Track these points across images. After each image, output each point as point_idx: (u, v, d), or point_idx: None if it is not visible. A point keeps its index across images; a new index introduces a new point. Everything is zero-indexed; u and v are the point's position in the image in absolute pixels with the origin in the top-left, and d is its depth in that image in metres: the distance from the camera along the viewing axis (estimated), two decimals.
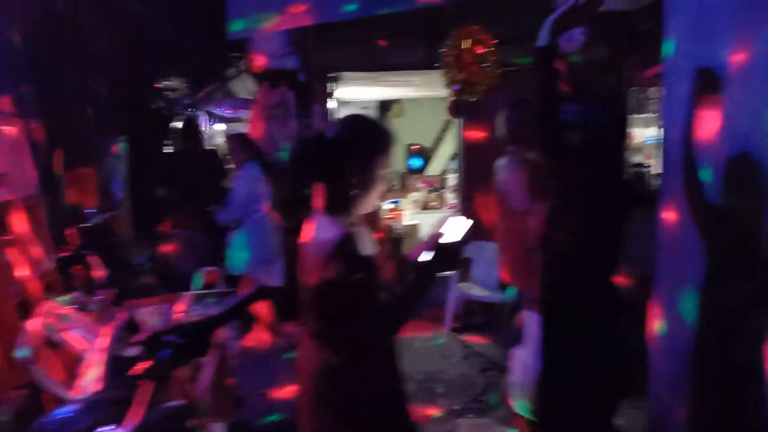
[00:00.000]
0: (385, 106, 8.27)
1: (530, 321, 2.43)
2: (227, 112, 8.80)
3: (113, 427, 1.34)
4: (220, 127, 9.80)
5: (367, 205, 1.62)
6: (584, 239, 1.86)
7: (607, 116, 1.87)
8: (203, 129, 9.89)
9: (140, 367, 1.42)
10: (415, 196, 7.86)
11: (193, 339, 1.46)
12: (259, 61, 4.45)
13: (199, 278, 3.29)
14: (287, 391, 3.50)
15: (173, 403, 2.26)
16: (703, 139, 2.12)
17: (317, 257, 1.48)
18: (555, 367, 1.96)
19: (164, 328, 1.48)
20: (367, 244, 1.58)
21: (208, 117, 9.84)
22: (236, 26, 3.34)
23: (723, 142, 1.98)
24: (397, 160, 8.77)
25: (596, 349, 1.88)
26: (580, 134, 1.85)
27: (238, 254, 3.98)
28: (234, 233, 4.11)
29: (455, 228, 1.62)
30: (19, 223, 3.15)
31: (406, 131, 8.46)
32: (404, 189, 8.05)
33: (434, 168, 8.67)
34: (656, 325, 2.48)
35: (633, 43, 4.16)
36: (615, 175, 1.90)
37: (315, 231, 1.53)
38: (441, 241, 1.58)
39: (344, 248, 1.47)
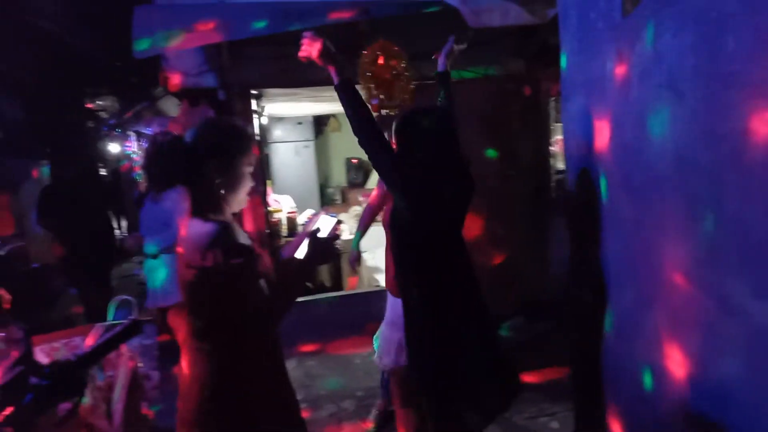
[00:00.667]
0: (320, 120, 8.24)
1: (391, 303, 2.89)
2: (156, 132, 8.59)
3: None
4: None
5: (236, 204, 1.67)
6: (407, 233, 2.04)
7: (428, 123, 2.02)
8: (133, 149, 9.64)
9: (3, 414, 1.32)
10: (356, 210, 7.84)
11: (60, 379, 1.37)
12: (175, 80, 4.34)
13: (113, 308, 3.14)
14: None
15: None
16: (597, 148, 2.19)
17: (193, 251, 1.48)
18: (411, 349, 2.13)
19: (23, 370, 1.38)
20: (242, 237, 1.60)
21: (136, 137, 9.57)
22: (142, 45, 3.24)
23: (613, 150, 2.05)
24: (338, 173, 8.74)
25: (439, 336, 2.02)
26: (403, 139, 2.05)
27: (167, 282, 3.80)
28: (156, 260, 3.93)
29: (325, 225, 1.76)
30: None
31: (344, 145, 8.43)
32: (345, 203, 8.01)
33: (374, 181, 8.68)
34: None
35: (545, 56, 4.29)
36: (444, 174, 2.02)
37: (188, 229, 1.55)
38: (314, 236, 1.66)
39: (221, 236, 1.49)
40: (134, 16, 3.46)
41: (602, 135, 2.16)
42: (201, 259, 1.46)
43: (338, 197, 8.43)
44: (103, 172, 9.23)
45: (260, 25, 3.32)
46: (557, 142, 5.40)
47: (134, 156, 9.07)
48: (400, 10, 3.73)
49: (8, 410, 1.33)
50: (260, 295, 1.59)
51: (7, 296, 3.09)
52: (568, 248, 2.60)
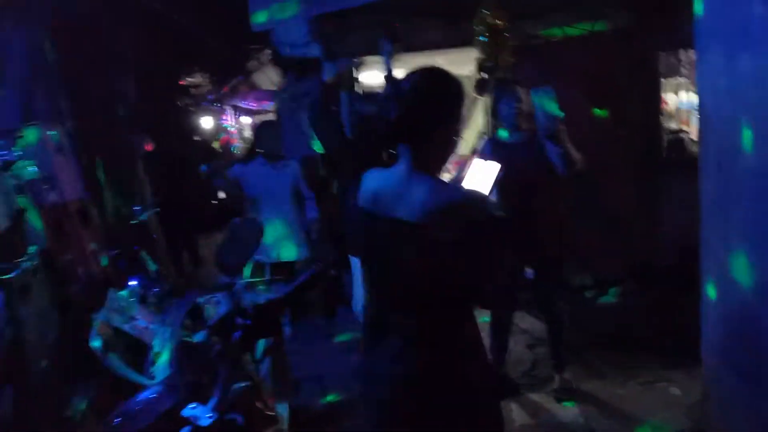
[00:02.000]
0: None
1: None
2: (252, 105, 8.95)
3: (195, 406, 1.44)
4: (246, 120, 9.95)
5: (445, 165, 1.48)
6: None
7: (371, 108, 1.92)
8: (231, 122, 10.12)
9: (215, 349, 1.52)
10: (446, 177, 7.86)
11: (259, 320, 1.55)
12: (283, 51, 4.51)
13: (248, 268, 3.40)
14: (340, 373, 3.59)
15: (240, 384, 2.38)
16: (741, 100, 2.12)
17: (457, 217, 1.30)
18: None
19: (230, 312, 1.57)
20: None
21: (233, 111, 10.02)
22: (259, 18, 3.41)
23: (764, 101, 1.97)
24: None
25: None
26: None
27: (280, 243, 4.05)
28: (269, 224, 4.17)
29: (483, 173, 1.51)
30: (73, 224, 3.31)
31: None
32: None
33: (464, 147, 8.64)
34: (706, 291, 2.47)
35: (661, 6, 4.09)
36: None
37: (427, 192, 1.34)
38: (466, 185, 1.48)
39: (478, 204, 1.35)
40: None
41: (748, 86, 2.08)
42: (447, 230, 1.28)
43: None
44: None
45: None
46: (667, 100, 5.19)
47: (231, 129, 9.51)
48: None
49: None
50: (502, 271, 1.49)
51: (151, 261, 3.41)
52: (694, 208, 2.54)
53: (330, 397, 3.40)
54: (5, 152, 3.11)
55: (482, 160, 1.61)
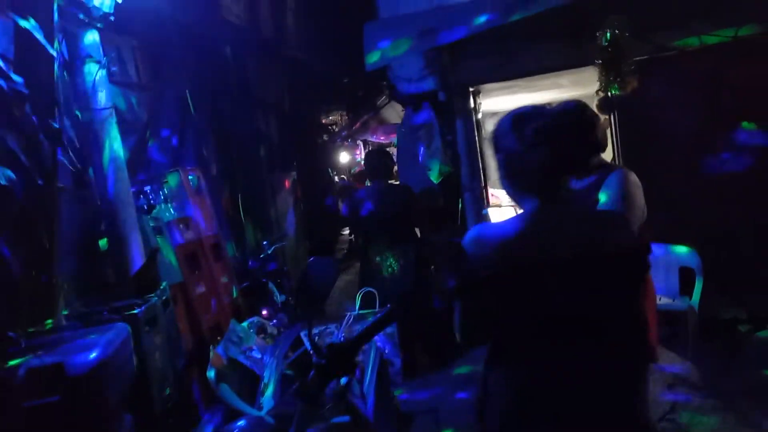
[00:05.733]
0: None
1: None
2: (381, 139, 9.27)
3: None
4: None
5: None
6: None
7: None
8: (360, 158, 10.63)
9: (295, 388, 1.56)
10: None
11: (334, 359, 1.55)
12: (399, 87, 4.62)
13: (359, 298, 3.47)
14: (456, 407, 3.50)
15: (340, 418, 2.41)
16: None
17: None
18: None
19: (309, 350, 1.59)
20: None
21: (363, 145, 10.48)
22: (372, 58, 3.52)
23: None
24: None
25: None
26: None
27: None
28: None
29: None
30: (207, 259, 3.64)
31: None
32: None
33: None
34: None
35: None
36: None
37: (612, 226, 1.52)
38: None
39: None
40: (364, 31, 3.78)
41: None
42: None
43: None
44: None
45: (481, 20, 3.35)
46: None
47: (362, 162, 9.96)
48: None
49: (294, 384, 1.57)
50: None
51: (276, 293, 3.62)
52: None
53: None
54: (152, 196, 3.54)
55: None
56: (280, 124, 7.23)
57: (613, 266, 1.44)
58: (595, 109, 4.28)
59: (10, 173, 2.17)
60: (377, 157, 4.23)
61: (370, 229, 4.02)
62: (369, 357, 3.00)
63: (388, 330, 3.40)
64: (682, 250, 3.94)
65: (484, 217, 4.70)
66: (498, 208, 5.97)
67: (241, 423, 1.62)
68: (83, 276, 2.99)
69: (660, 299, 4.01)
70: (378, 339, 3.14)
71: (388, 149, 7.71)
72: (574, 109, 1.59)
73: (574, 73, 4.53)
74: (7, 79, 2.34)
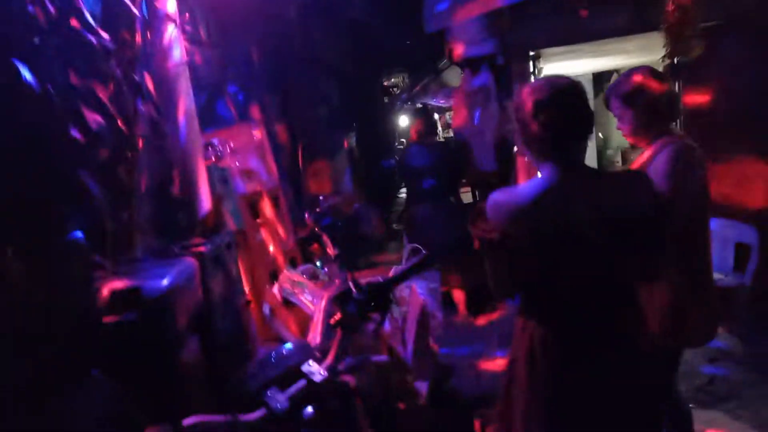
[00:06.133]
0: (600, 77, 7.77)
1: None
2: (441, 102, 9.25)
3: (311, 363, 1.69)
4: (436, 116, 10.37)
5: None
6: None
7: None
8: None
9: (335, 318, 1.76)
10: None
11: (372, 297, 1.74)
12: (458, 50, 4.64)
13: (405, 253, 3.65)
14: (496, 363, 3.64)
15: (379, 356, 2.62)
16: None
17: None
18: None
19: (350, 288, 1.78)
20: None
21: (424, 108, 10.49)
22: (431, 20, 3.58)
23: None
24: (618, 133, 8.17)
25: None
26: None
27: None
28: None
29: None
30: (267, 209, 3.90)
31: None
32: (625, 164, 7.50)
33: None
34: None
35: None
36: None
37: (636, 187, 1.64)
38: None
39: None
40: None
41: None
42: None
43: (618, 159, 7.90)
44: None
45: None
46: None
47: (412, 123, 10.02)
48: None
49: (337, 315, 1.76)
50: None
51: (330, 245, 3.84)
52: None
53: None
54: (219, 148, 3.80)
55: None
56: (341, 84, 7.38)
57: (631, 229, 1.51)
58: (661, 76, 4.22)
59: (99, 119, 2.44)
60: (423, 115, 4.42)
61: (415, 183, 4.21)
62: (411, 307, 3.20)
63: (432, 285, 3.56)
64: (739, 225, 3.87)
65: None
66: None
67: (288, 345, 1.83)
68: (157, 217, 3.30)
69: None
70: (421, 292, 3.32)
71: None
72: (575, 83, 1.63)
73: (640, 38, 4.41)
74: (96, 35, 2.60)
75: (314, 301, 2.92)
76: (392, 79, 10.52)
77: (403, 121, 11.62)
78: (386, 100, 10.26)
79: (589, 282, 1.55)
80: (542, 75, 5.80)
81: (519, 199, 1.56)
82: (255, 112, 4.71)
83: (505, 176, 4.57)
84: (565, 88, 1.57)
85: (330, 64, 7.03)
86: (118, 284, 2.03)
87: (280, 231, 3.99)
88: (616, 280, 1.56)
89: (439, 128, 10.26)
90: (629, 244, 1.52)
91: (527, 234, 1.54)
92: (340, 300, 1.76)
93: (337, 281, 2.80)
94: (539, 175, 1.61)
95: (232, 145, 3.86)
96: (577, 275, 1.55)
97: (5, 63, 2.01)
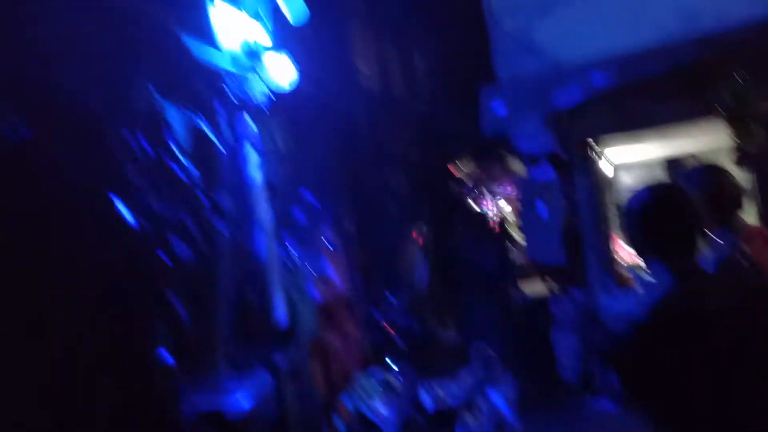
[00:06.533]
0: (672, 163, 7.56)
1: None
2: (507, 190, 9.26)
3: None
4: (503, 204, 10.36)
5: None
6: None
7: None
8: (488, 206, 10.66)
9: None
10: None
11: (440, 421, 1.75)
12: (520, 146, 4.73)
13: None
14: None
15: None
16: None
17: None
18: None
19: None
20: None
21: (491, 195, 10.49)
22: (488, 123, 3.70)
23: None
24: None
25: None
26: None
27: None
28: None
29: None
30: (340, 314, 3.98)
31: None
32: None
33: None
34: None
35: None
36: None
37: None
38: None
39: None
40: (480, 96, 3.99)
41: None
42: None
43: None
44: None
45: (599, 80, 3.41)
46: None
47: (489, 212, 9.96)
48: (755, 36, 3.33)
49: None
50: None
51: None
52: None
53: None
54: (295, 256, 3.99)
55: None
56: (408, 176, 7.57)
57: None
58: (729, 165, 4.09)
59: (184, 246, 2.68)
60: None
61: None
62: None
63: (508, 394, 3.44)
64: None
65: (624, 276, 4.60)
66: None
67: None
68: (236, 327, 3.45)
69: None
70: (500, 405, 3.20)
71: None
72: (669, 188, 1.67)
73: (702, 124, 4.34)
74: (183, 167, 2.89)
75: (387, 416, 2.90)
76: (458, 167, 10.67)
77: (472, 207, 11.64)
78: (453, 187, 10.37)
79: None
80: (610, 164, 5.72)
81: (650, 312, 1.49)
82: (327, 215, 4.91)
83: (573, 269, 4.47)
84: (665, 197, 1.61)
85: (397, 156, 7.26)
86: (203, 407, 2.14)
87: (353, 336, 4.05)
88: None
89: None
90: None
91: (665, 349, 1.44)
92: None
93: (408, 393, 2.78)
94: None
95: (306, 252, 4.04)
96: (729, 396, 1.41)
97: (103, 197, 2.29)
